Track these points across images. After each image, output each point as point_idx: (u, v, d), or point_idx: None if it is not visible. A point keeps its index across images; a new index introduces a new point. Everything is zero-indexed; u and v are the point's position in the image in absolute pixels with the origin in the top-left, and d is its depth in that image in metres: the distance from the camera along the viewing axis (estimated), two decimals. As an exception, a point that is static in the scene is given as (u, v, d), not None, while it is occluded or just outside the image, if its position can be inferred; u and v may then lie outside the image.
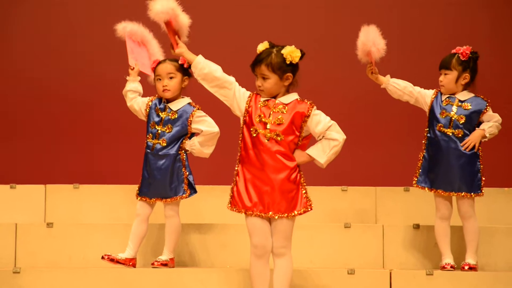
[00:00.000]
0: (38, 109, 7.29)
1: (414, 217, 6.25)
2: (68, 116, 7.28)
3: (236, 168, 4.78)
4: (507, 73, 7.19)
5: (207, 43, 6.89)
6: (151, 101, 5.55)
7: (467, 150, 5.47)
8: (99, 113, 7.29)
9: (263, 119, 4.72)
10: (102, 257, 5.44)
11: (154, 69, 5.55)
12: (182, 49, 4.79)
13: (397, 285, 5.33)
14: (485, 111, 5.55)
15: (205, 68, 4.73)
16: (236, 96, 4.76)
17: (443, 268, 5.53)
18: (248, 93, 4.79)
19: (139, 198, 5.53)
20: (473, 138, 5.51)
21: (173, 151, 5.48)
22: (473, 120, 5.53)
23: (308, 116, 4.71)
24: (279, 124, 4.70)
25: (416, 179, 5.60)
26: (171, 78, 5.49)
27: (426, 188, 5.58)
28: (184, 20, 4.82)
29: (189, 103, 5.53)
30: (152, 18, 4.81)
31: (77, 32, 7.34)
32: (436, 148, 5.55)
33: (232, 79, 4.77)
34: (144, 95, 5.61)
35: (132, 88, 5.57)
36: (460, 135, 5.52)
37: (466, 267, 5.50)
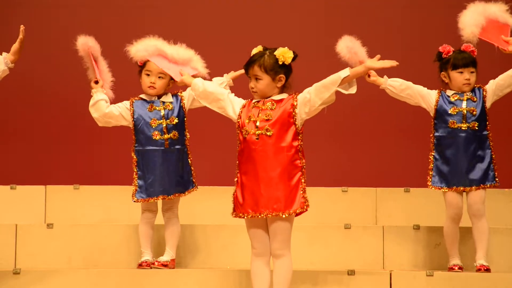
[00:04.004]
0: (38, 110, 7.29)
1: (414, 218, 6.25)
2: (68, 117, 7.27)
3: (237, 175, 4.79)
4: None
5: (205, 45, 6.90)
6: (132, 103, 5.51)
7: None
8: (99, 114, 7.27)
9: (252, 119, 4.72)
10: (140, 265, 5.46)
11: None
12: (184, 77, 5.06)
13: (397, 286, 5.33)
14: (485, 93, 5.50)
15: (201, 87, 4.87)
16: (231, 100, 4.82)
17: (451, 269, 5.50)
18: (244, 100, 4.83)
19: (151, 200, 5.50)
20: None
21: (182, 143, 5.49)
22: (484, 109, 5.48)
23: (296, 101, 4.69)
24: (267, 120, 4.70)
25: (430, 181, 5.52)
26: (160, 77, 5.49)
27: (443, 188, 5.49)
28: (171, 52, 5.24)
29: (171, 94, 5.56)
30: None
31: (77, 33, 7.33)
32: (449, 146, 5.48)
33: (225, 91, 4.88)
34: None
35: (105, 98, 5.48)
36: (475, 127, 5.48)
37: (483, 269, 5.43)
